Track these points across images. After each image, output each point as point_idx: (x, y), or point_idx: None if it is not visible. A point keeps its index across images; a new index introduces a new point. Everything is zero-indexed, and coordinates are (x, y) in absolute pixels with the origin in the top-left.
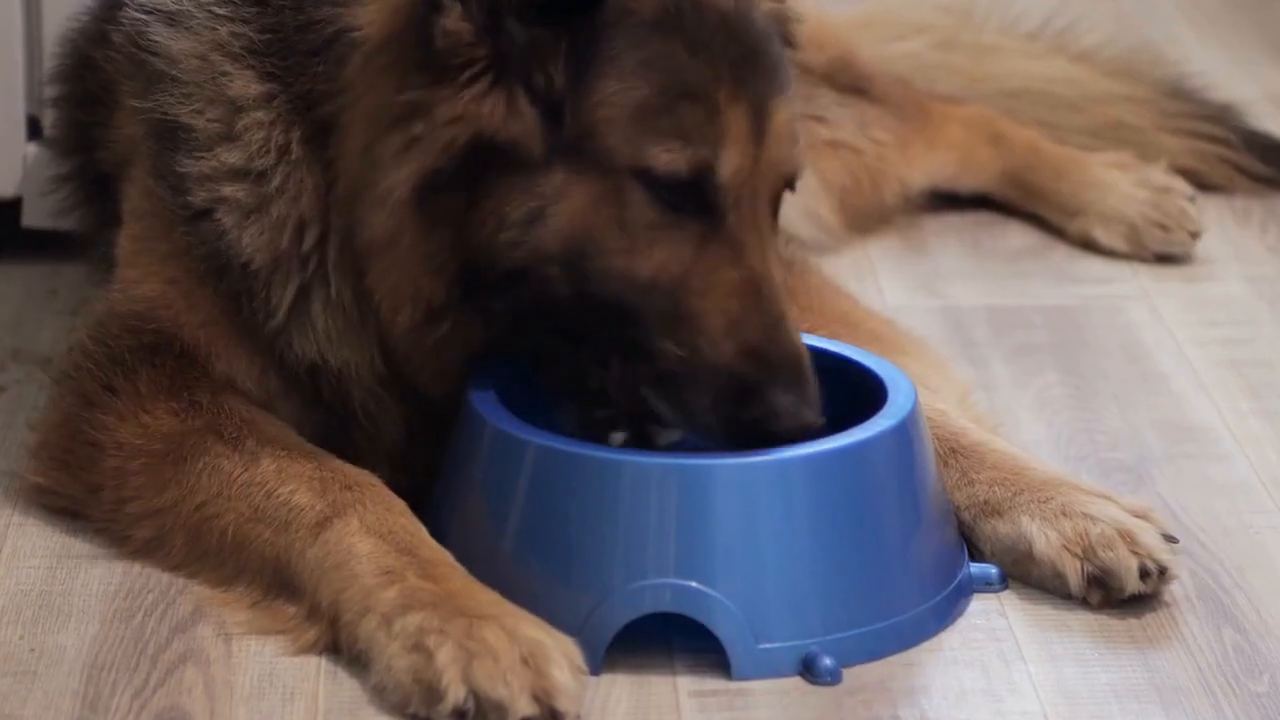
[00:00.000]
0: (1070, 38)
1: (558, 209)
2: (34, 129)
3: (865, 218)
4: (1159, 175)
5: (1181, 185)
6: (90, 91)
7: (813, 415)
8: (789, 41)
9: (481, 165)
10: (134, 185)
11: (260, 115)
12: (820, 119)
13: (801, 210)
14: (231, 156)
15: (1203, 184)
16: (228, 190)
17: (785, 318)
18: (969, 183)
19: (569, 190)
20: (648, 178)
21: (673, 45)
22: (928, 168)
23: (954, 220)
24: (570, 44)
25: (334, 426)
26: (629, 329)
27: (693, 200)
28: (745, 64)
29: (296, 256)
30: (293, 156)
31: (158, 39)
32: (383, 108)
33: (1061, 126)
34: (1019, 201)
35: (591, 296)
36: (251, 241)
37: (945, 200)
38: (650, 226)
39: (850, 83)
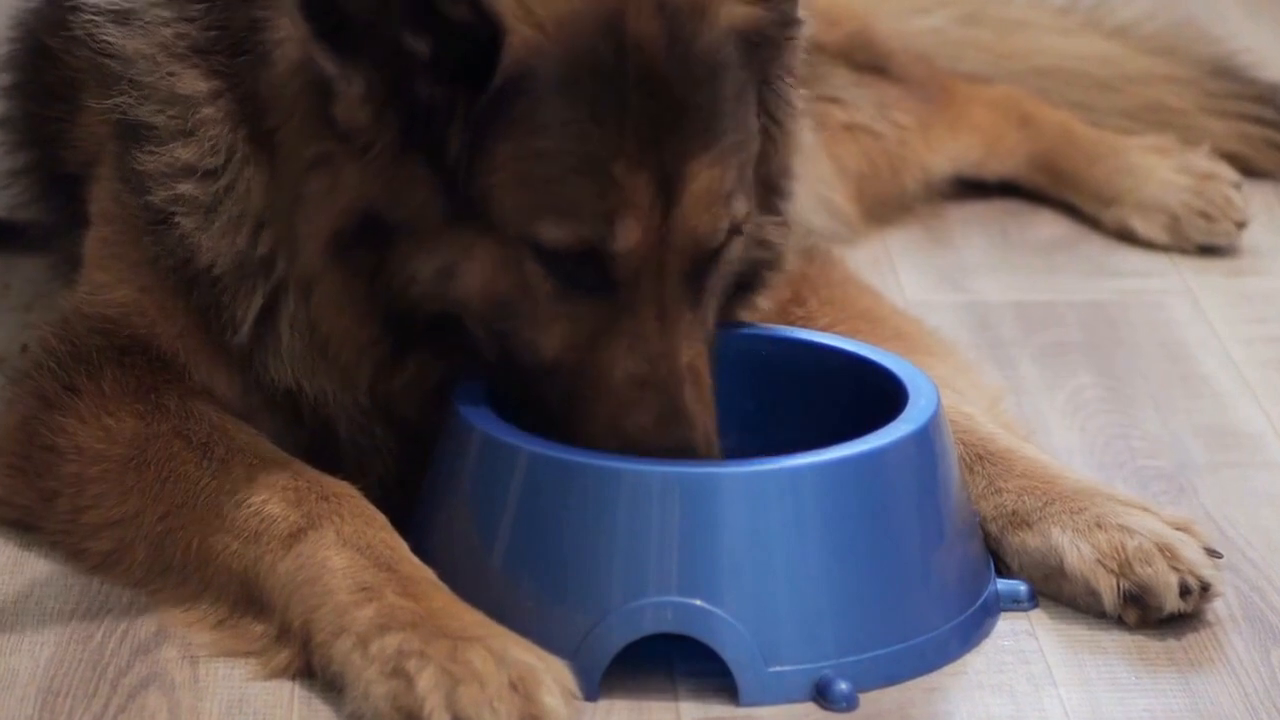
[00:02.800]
0: (1106, 12)
1: (467, 266)
2: None
3: (884, 206)
4: (1202, 160)
5: (1226, 171)
6: (49, 85)
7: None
8: (759, 49)
9: (385, 226)
10: (102, 187)
11: (210, 111)
12: (836, 100)
13: (816, 199)
14: (185, 152)
15: (1249, 170)
16: (182, 188)
17: (678, 412)
18: (996, 168)
19: (474, 250)
20: (538, 249)
21: (575, 109)
22: (951, 152)
23: (979, 209)
24: (468, 106)
25: (320, 450)
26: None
27: (587, 273)
28: (661, 124)
29: (256, 260)
30: (239, 155)
31: (110, 40)
32: (300, 145)
33: (1096, 108)
34: (1050, 189)
35: (512, 359)
36: (212, 244)
37: (970, 187)
38: (549, 298)
39: (868, 61)
